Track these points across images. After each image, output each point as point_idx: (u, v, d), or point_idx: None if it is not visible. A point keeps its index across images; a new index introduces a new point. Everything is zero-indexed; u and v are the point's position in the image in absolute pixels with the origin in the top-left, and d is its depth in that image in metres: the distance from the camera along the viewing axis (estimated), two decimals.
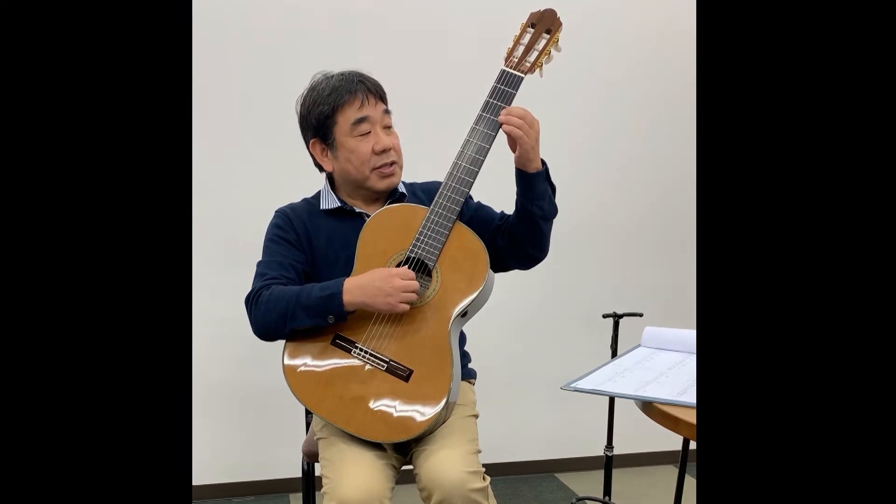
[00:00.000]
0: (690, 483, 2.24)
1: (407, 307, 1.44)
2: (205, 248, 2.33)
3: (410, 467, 1.52)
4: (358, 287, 1.45)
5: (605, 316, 2.29)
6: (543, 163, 1.54)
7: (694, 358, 1.36)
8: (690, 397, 1.15)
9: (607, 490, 2.32)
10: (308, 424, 1.79)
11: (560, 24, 1.54)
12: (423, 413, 1.43)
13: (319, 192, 1.67)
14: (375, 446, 1.47)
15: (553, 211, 1.60)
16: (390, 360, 1.46)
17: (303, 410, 1.88)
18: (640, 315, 2.27)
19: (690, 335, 1.42)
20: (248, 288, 1.56)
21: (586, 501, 2.43)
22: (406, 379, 1.45)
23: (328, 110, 1.57)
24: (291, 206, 1.67)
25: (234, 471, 2.54)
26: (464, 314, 1.51)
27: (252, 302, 1.52)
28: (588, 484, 2.63)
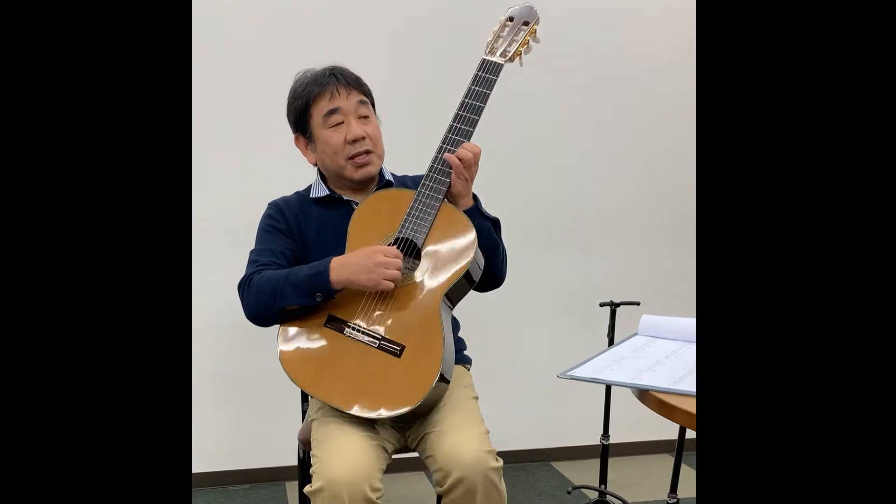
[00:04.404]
0: (686, 472, 2.24)
1: (390, 284, 1.46)
2: (201, 237, 2.33)
3: (415, 455, 1.53)
4: (343, 264, 1.48)
5: (602, 305, 2.28)
6: (476, 198, 1.60)
7: (690, 346, 1.36)
8: (687, 385, 1.15)
9: (603, 479, 2.32)
10: (304, 412, 1.79)
11: (537, 16, 1.61)
12: (416, 387, 1.44)
13: (311, 185, 1.72)
14: (368, 427, 1.47)
15: (491, 244, 1.60)
16: (382, 336, 1.48)
17: (299, 398, 1.88)
18: (637, 304, 2.27)
19: (687, 323, 1.41)
20: (236, 276, 1.58)
21: (582, 490, 2.44)
22: (398, 355, 1.46)
23: (302, 104, 1.63)
24: (284, 199, 1.71)
25: (230, 459, 2.54)
26: (454, 292, 1.53)
27: (244, 287, 1.55)
28: (584, 473, 2.64)
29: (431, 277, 1.50)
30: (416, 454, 1.56)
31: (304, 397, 1.81)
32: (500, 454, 1.50)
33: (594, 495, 2.36)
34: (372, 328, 1.49)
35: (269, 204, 1.70)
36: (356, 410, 1.45)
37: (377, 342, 1.47)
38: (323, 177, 1.70)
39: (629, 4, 2.69)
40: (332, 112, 1.60)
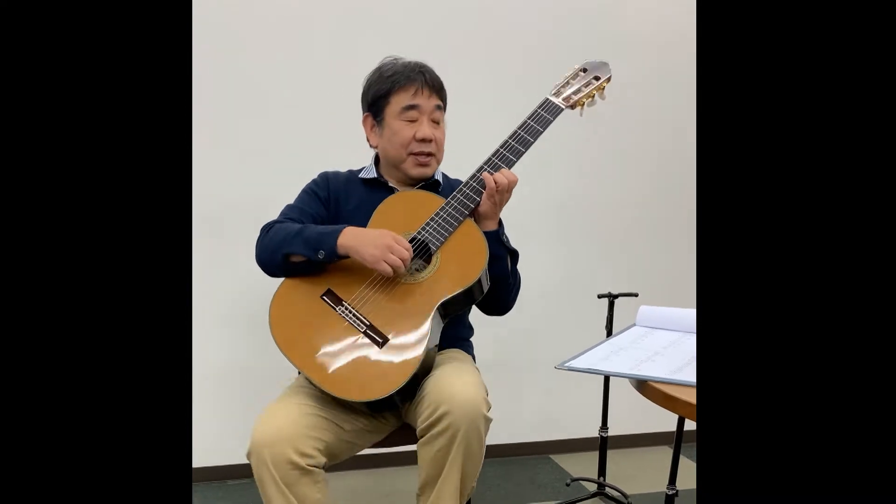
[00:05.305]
0: (685, 463, 2.25)
1: (389, 269, 1.47)
2: (202, 235, 2.32)
3: (413, 448, 1.52)
4: (354, 233, 1.51)
5: (600, 296, 2.28)
6: (500, 225, 1.64)
7: (689, 337, 1.36)
8: (685, 375, 1.14)
9: (602, 471, 2.33)
10: None
11: (609, 74, 1.69)
12: (387, 380, 1.44)
13: (364, 167, 1.77)
14: (321, 401, 1.48)
15: (505, 274, 1.63)
16: (370, 323, 1.49)
17: None
18: (636, 295, 2.26)
19: (686, 314, 1.41)
20: (247, 273, 1.60)
21: (581, 482, 2.44)
22: (380, 345, 1.47)
23: (384, 90, 1.67)
24: (335, 172, 1.77)
25: (229, 453, 2.54)
26: (449, 305, 1.53)
27: (265, 230, 1.60)
28: (583, 465, 2.64)
29: (433, 284, 1.52)
30: (413, 448, 1.55)
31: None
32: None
33: (593, 487, 2.36)
34: (363, 313, 1.50)
35: (320, 173, 1.76)
36: (322, 384, 1.45)
37: (364, 326, 1.49)
38: (377, 162, 1.75)
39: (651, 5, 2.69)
40: (411, 108, 1.65)
